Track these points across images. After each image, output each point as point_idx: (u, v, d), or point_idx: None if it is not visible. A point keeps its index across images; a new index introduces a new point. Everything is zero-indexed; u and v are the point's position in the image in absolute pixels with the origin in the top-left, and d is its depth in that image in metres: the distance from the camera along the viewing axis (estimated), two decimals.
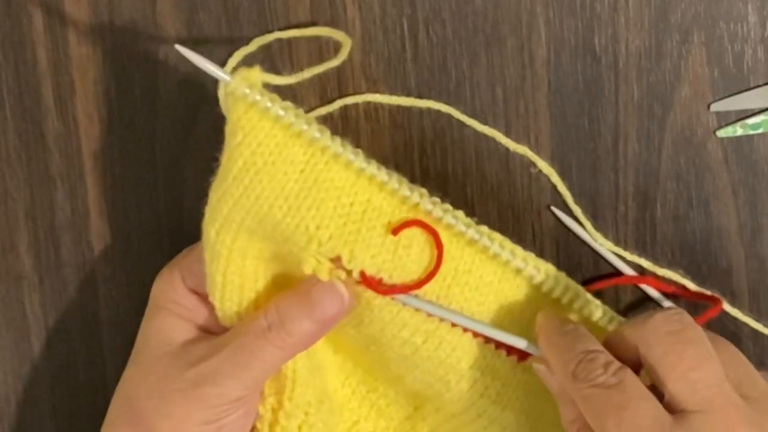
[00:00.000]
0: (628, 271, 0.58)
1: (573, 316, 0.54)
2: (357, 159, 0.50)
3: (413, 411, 0.57)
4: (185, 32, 0.57)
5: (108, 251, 0.59)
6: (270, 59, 0.57)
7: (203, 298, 0.53)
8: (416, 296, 0.51)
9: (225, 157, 0.50)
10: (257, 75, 0.49)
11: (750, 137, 0.57)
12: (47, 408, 0.61)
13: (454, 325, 0.52)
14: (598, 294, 0.56)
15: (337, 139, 0.50)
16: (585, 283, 0.57)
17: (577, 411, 0.49)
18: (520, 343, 0.52)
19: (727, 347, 0.50)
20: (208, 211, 0.50)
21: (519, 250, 0.53)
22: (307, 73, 0.54)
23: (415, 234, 0.51)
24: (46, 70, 0.58)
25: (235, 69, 0.50)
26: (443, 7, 0.56)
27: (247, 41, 0.56)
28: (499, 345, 0.54)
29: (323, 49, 0.57)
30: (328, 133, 0.49)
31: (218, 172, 0.50)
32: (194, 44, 0.57)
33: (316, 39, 0.57)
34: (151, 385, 0.51)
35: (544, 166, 0.57)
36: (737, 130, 0.57)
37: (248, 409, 0.52)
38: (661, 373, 0.47)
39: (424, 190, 0.51)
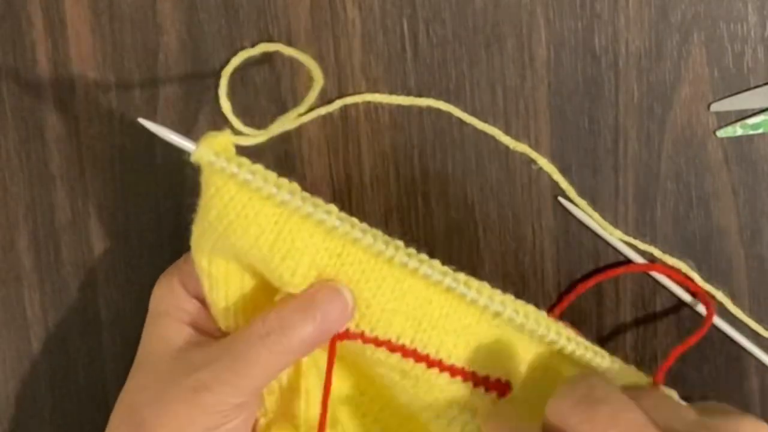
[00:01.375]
0: (639, 260, 0.58)
1: (554, 357, 0.54)
2: (330, 218, 0.49)
3: None
4: (185, 32, 0.57)
5: (108, 251, 0.59)
6: (270, 62, 0.57)
7: (205, 304, 0.53)
8: (388, 341, 0.51)
9: (201, 201, 0.49)
10: (226, 139, 0.48)
11: (750, 137, 0.57)
12: (47, 408, 0.61)
13: (429, 366, 0.52)
14: (598, 286, 0.56)
15: (309, 199, 0.49)
16: (593, 272, 0.57)
17: None
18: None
19: (650, 393, 0.49)
20: (194, 243, 0.50)
21: (498, 295, 0.52)
22: (277, 128, 0.51)
23: (390, 284, 0.51)
24: (46, 69, 0.58)
25: (234, 77, 0.49)
26: (443, 7, 0.56)
27: (248, 41, 0.56)
28: (477, 383, 0.53)
29: (323, 53, 0.57)
30: (299, 194, 0.49)
31: (197, 210, 0.50)
32: (194, 44, 0.57)
33: (317, 43, 0.57)
34: (152, 393, 0.51)
35: (544, 163, 0.57)
36: (737, 130, 0.57)
37: (248, 415, 0.52)
38: None
39: (399, 243, 0.50)
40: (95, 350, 0.60)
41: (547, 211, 0.58)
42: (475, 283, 0.51)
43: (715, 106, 0.57)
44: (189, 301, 0.53)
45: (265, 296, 0.53)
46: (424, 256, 0.51)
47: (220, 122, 0.52)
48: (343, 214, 0.49)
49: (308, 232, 0.49)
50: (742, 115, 0.57)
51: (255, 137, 0.50)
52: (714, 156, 0.57)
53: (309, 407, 0.53)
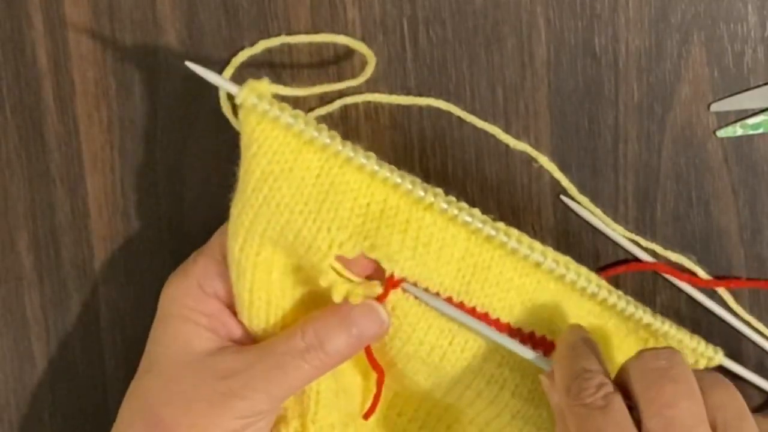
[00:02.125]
0: (645, 257, 0.58)
1: (595, 307, 0.54)
2: (369, 162, 0.50)
3: (446, 430, 0.57)
4: (185, 32, 0.57)
5: (108, 251, 0.59)
6: (269, 61, 0.57)
7: (224, 303, 0.53)
8: (437, 294, 0.52)
9: (242, 170, 0.50)
10: (266, 86, 0.50)
11: (750, 137, 0.57)
12: (47, 408, 0.61)
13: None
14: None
15: (348, 144, 0.50)
16: (597, 271, 0.57)
17: (567, 430, 0.49)
18: (529, 354, 0.52)
19: (725, 390, 0.49)
20: (230, 227, 0.51)
21: (537, 245, 0.53)
22: (318, 89, 0.55)
23: (433, 232, 0.51)
24: (46, 70, 0.58)
25: (235, 77, 0.50)
26: (443, 7, 0.56)
27: (248, 41, 0.56)
28: (524, 341, 0.54)
29: (323, 53, 0.57)
30: (338, 138, 0.50)
31: (237, 187, 0.51)
32: (194, 44, 0.57)
33: (317, 42, 0.57)
34: (174, 395, 0.51)
35: (545, 161, 0.57)
36: (737, 130, 0.57)
37: (270, 419, 0.53)
38: (640, 407, 0.47)
39: (439, 190, 0.51)
40: (95, 350, 0.60)
41: (547, 211, 0.58)
42: (514, 232, 0.52)
43: (715, 106, 0.57)
44: (206, 303, 0.53)
45: (289, 297, 0.53)
46: (463, 204, 0.52)
47: (220, 122, 0.52)
48: (383, 162, 0.51)
49: (350, 184, 0.50)
50: (742, 115, 0.57)
51: (294, 90, 0.52)
52: (714, 156, 0.57)
53: (319, 408, 0.53)
